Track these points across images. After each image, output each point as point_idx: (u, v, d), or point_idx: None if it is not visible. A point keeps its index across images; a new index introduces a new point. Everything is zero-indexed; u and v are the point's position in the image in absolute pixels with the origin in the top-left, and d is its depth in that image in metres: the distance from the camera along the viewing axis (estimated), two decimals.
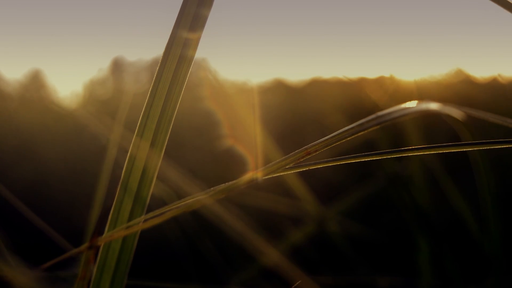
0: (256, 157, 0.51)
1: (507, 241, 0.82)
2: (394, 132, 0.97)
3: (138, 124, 0.39)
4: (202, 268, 1.16)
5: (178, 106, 0.39)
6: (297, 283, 0.41)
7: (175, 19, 0.39)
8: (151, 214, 0.35)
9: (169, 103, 0.39)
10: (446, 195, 0.91)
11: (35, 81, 3.28)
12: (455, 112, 0.48)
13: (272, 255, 0.99)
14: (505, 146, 0.41)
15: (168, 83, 0.39)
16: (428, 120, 1.94)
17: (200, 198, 0.34)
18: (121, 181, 0.38)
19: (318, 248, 1.26)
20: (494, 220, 0.72)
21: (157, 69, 0.39)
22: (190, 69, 0.40)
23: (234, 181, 0.35)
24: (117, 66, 3.51)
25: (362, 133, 0.36)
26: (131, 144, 0.38)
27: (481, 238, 0.81)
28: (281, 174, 0.37)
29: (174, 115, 0.39)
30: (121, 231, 0.36)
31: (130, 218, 0.38)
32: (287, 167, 0.36)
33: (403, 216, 0.97)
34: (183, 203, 0.35)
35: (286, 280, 0.43)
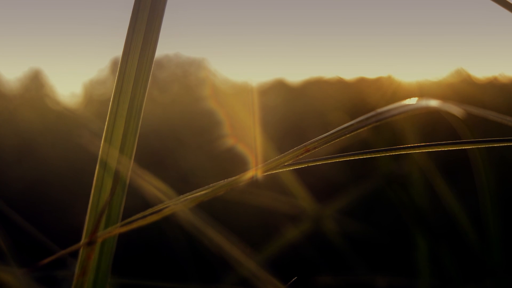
0: (256, 156, 0.51)
1: (506, 241, 0.82)
2: (393, 130, 0.97)
3: (106, 123, 0.39)
4: (200, 267, 1.16)
5: (144, 101, 0.39)
6: (292, 280, 0.41)
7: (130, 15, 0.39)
8: (149, 211, 0.35)
9: (136, 99, 0.39)
10: (445, 194, 0.91)
11: (35, 81, 3.28)
12: (455, 110, 0.47)
13: (269, 254, 0.99)
14: (505, 145, 0.41)
15: (132, 81, 0.39)
16: (427, 119, 1.94)
17: (199, 194, 0.34)
18: (98, 166, 0.38)
19: (316, 247, 1.25)
20: (494, 219, 0.72)
21: (118, 69, 0.39)
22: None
23: (233, 178, 0.35)
24: (117, 66, 3.50)
25: (361, 130, 0.36)
26: (101, 143, 0.38)
27: (481, 238, 0.81)
28: (280, 171, 0.37)
29: (142, 111, 0.39)
30: (120, 227, 0.36)
31: (109, 212, 0.38)
32: (286, 164, 0.36)
33: (402, 216, 0.97)
34: (181, 200, 0.35)
35: (283, 279, 0.43)
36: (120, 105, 0.39)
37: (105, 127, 0.39)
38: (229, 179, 0.36)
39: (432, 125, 2.00)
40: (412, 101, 0.43)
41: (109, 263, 0.38)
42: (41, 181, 2.16)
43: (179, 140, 2.33)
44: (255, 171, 0.37)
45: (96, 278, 0.37)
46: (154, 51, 0.39)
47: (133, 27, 0.39)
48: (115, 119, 0.39)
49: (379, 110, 0.38)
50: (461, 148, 0.40)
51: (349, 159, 0.38)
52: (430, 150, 0.38)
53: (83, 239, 0.36)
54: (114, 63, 3.51)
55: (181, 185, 1.98)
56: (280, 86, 3.20)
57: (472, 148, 0.68)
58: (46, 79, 3.29)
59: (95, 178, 0.38)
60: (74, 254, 0.41)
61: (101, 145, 0.38)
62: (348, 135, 0.37)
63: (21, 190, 2.10)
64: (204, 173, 2.09)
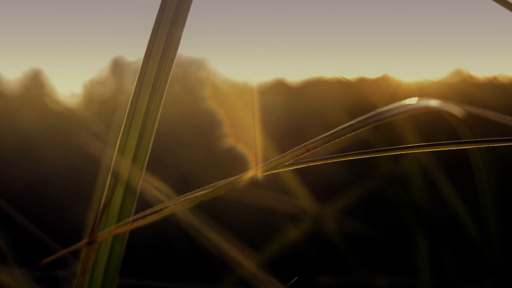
0: (256, 156, 0.51)
1: (507, 240, 0.82)
2: (393, 131, 0.97)
3: (123, 124, 0.39)
4: (200, 267, 1.16)
5: (162, 105, 0.39)
6: (293, 280, 0.41)
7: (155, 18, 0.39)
8: (149, 211, 0.35)
9: (154, 100, 0.39)
10: (445, 194, 0.91)
11: (35, 81, 3.28)
12: (455, 109, 0.47)
13: (269, 254, 0.99)
14: (505, 145, 0.41)
15: (152, 80, 0.39)
16: (427, 119, 1.94)
17: (199, 194, 0.34)
18: (111, 172, 0.38)
19: (316, 247, 1.25)
20: (494, 219, 0.72)
21: (139, 69, 0.39)
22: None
23: (234, 178, 0.35)
24: (117, 66, 3.51)
25: (362, 129, 0.36)
26: (119, 140, 0.39)
27: (481, 237, 0.81)
28: (280, 170, 0.37)
29: (159, 114, 0.39)
30: (121, 227, 0.36)
31: (120, 214, 0.38)
32: (286, 163, 0.36)
33: (402, 216, 0.97)
34: (181, 199, 0.35)
35: (283, 279, 0.43)
36: (137, 108, 0.39)
37: (122, 128, 0.39)
38: (229, 179, 0.36)
39: (432, 125, 2.00)
40: (412, 101, 0.43)
41: (118, 265, 0.38)
42: (41, 181, 2.16)
43: (179, 140, 2.33)
44: (255, 171, 0.37)
45: (104, 279, 0.38)
46: (174, 55, 0.39)
47: (156, 31, 0.39)
48: (132, 121, 0.39)
49: (379, 110, 0.38)
50: (461, 148, 0.40)
51: (349, 159, 0.38)
52: (430, 150, 0.38)
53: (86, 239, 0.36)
54: (114, 63, 3.51)
55: (181, 185, 1.98)
56: (280, 86, 3.20)
57: (472, 148, 0.68)
58: (46, 79, 3.29)
59: (108, 179, 0.38)
60: (76, 254, 0.41)
61: (117, 144, 0.39)
62: (348, 135, 0.37)
63: (21, 190, 2.10)
64: (204, 173, 2.09)
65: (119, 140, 0.39)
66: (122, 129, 0.39)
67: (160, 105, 0.39)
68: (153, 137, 0.39)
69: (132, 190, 0.38)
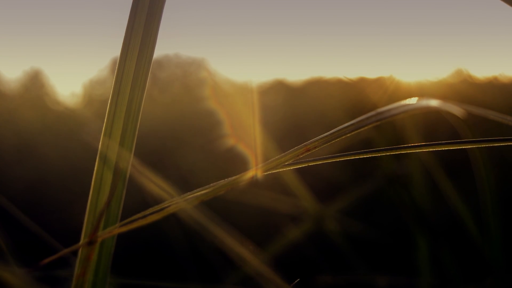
0: (257, 156, 0.51)
1: (507, 240, 0.82)
2: (394, 131, 0.97)
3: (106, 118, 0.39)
4: (200, 267, 1.16)
5: (142, 103, 0.39)
6: (295, 281, 0.41)
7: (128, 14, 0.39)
8: (149, 210, 0.35)
9: (134, 101, 0.39)
10: (445, 194, 0.91)
11: (35, 81, 3.29)
12: (455, 109, 0.47)
13: (270, 254, 0.99)
14: (505, 144, 0.41)
15: (130, 83, 0.39)
16: (428, 119, 1.94)
17: (199, 194, 0.34)
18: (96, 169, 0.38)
19: (316, 247, 1.25)
20: (494, 219, 0.72)
21: (116, 70, 0.39)
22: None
23: (234, 177, 0.35)
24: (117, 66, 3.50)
25: (362, 129, 0.36)
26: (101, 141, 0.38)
27: (481, 237, 0.81)
28: (280, 170, 0.37)
29: (140, 112, 0.39)
30: (120, 227, 0.36)
31: (109, 211, 0.38)
32: (286, 163, 0.36)
33: (403, 215, 0.97)
34: (182, 200, 0.35)
35: (283, 279, 0.43)
36: (118, 106, 0.39)
37: (103, 128, 0.39)
38: (230, 179, 0.36)
39: (432, 125, 2.00)
40: (412, 101, 0.43)
41: (108, 264, 0.38)
42: (41, 181, 2.16)
43: (179, 140, 2.33)
44: (255, 171, 0.37)
45: (95, 279, 0.37)
46: (152, 52, 0.39)
47: (131, 28, 0.39)
48: (113, 121, 0.39)
49: (379, 110, 0.38)
50: (461, 147, 0.40)
51: (350, 159, 0.38)
52: (430, 150, 0.38)
53: (83, 239, 0.36)
54: (114, 63, 3.51)
55: (182, 185, 1.97)
56: (280, 86, 3.20)
57: (472, 148, 0.68)
58: (46, 79, 3.29)
59: (93, 180, 0.38)
60: (77, 254, 0.41)
61: (99, 147, 0.38)
62: (348, 135, 0.37)
63: (21, 190, 2.10)
64: (204, 172, 2.09)
65: (100, 143, 0.38)
66: (103, 129, 0.39)
67: (141, 104, 0.39)
68: (135, 136, 0.39)
69: (120, 189, 0.38)
